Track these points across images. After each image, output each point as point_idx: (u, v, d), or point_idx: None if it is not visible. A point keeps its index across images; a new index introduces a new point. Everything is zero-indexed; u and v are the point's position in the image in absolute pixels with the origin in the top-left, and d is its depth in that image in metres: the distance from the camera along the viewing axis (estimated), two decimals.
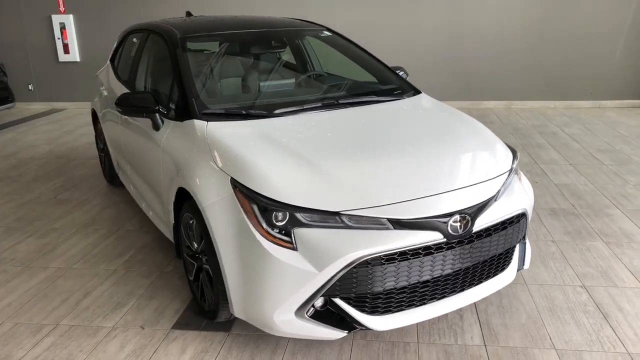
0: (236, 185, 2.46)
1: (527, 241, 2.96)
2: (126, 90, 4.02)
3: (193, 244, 2.87)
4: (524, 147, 6.14)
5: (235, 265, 2.44)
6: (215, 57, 3.77)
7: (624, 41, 8.05)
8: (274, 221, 2.34)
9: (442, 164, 2.69)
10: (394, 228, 2.34)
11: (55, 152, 6.51)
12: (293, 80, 3.81)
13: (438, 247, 2.40)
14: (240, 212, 2.40)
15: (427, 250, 2.38)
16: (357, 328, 2.42)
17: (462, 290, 2.61)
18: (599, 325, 2.78)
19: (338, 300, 2.38)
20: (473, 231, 2.47)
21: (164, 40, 3.62)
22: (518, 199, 2.73)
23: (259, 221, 2.35)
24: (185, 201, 2.88)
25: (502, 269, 2.78)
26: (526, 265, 2.92)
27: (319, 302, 2.39)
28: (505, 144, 3.09)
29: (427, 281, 2.46)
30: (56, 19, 8.92)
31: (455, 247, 2.44)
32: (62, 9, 8.90)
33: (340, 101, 3.27)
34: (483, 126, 3.21)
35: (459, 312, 2.90)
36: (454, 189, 2.51)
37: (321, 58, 4.26)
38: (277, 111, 3.06)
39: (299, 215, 2.33)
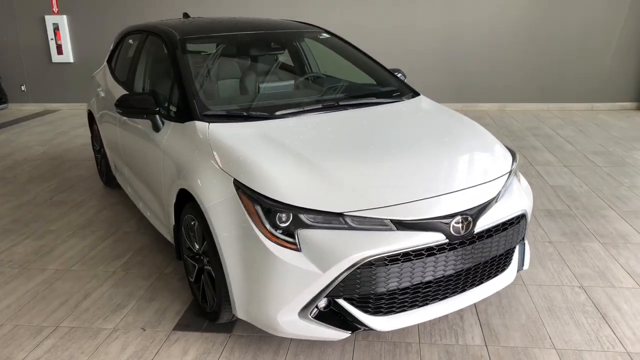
0: (239, 186, 2.46)
1: (526, 242, 2.99)
2: (124, 92, 4.02)
3: (194, 245, 2.87)
4: (519, 149, 6.18)
5: (239, 266, 2.44)
6: (215, 59, 3.77)
7: (616, 45, 8.14)
8: (278, 222, 2.35)
9: (443, 165, 2.71)
10: (397, 229, 2.35)
11: (50, 154, 6.47)
12: (293, 82, 3.82)
13: (440, 248, 2.42)
14: (244, 214, 2.40)
15: (430, 251, 2.39)
16: (360, 328, 2.43)
17: (464, 290, 2.63)
18: (598, 325, 2.81)
19: (341, 301, 2.39)
20: (474, 232, 2.49)
21: (163, 42, 3.62)
22: (518, 200, 2.76)
23: (262, 222, 2.36)
24: (186, 202, 2.88)
25: (502, 270, 2.81)
26: (526, 266, 2.94)
27: (322, 302, 2.39)
28: (505, 145, 3.12)
29: (430, 282, 2.47)
30: (49, 20, 8.87)
31: (457, 248, 2.46)
32: (55, 9, 8.85)
33: (340, 103, 3.28)
34: (483, 128, 3.24)
35: (459, 313, 2.92)
36: (455, 190, 2.53)
37: (320, 60, 4.28)
38: (278, 113, 3.06)
39: (302, 217, 2.34)
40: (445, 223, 2.40)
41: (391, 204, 2.38)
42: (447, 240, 2.41)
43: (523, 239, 2.90)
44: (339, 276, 2.28)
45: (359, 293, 2.36)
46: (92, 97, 4.96)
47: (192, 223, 2.80)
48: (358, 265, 2.27)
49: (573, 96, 8.40)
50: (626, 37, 8.08)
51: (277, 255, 2.30)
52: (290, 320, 2.39)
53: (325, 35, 4.11)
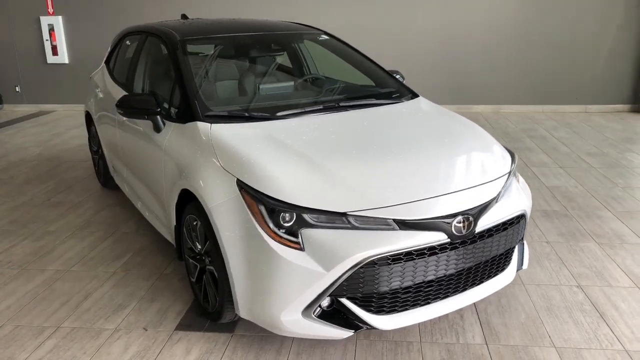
0: (242, 186, 2.47)
1: (525, 242, 3.02)
2: (123, 93, 4.02)
3: (196, 245, 2.88)
4: (515, 150, 6.22)
5: (242, 265, 2.46)
6: (216, 60, 3.78)
7: (609, 48, 8.22)
8: (281, 222, 2.36)
9: (444, 166, 2.74)
10: (400, 229, 2.37)
11: (46, 155, 6.45)
12: (294, 83, 3.84)
13: (442, 248, 2.44)
14: (247, 213, 2.42)
15: (432, 250, 2.42)
16: (362, 327, 2.45)
17: (464, 290, 2.66)
18: (596, 323, 2.84)
19: (344, 300, 2.41)
20: (475, 232, 2.52)
21: (163, 43, 3.63)
22: (517, 200, 2.79)
23: (266, 222, 2.37)
24: (187, 203, 2.89)
25: (502, 270, 2.84)
26: (525, 266, 2.98)
27: (325, 302, 2.41)
28: (503, 146, 3.15)
29: (432, 281, 2.50)
30: (45, 21, 8.84)
31: (458, 248, 2.49)
32: (51, 10, 8.83)
33: (341, 104, 3.30)
34: (482, 129, 3.27)
35: (460, 312, 2.95)
36: (456, 190, 2.55)
37: (320, 62, 4.30)
38: (279, 113, 3.08)
39: (306, 216, 2.36)
40: (447, 223, 2.43)
41: (394, 203, 2.41)
42: (448, 240, 2.43)
43: (522, 239, 2.93)
44: (342, 275, 2.30)
45: (362, 292, 2.38)
46: (90, 98, 4.95)
47: (195, 223, 2.81)
48: (361, 264, 2.29)
49: (567, 98, 8.48)
50: (619, 41, 8.16)
51: (281, 254, 2.31)
52: (293, 319, 2.41)
53: (325, 36, 4.13)
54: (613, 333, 2.76)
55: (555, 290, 3.18)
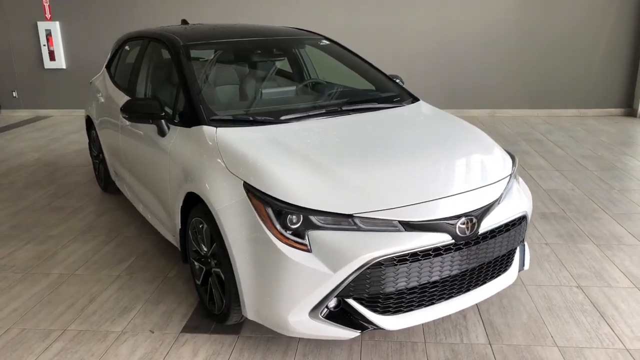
0: (249, 189, 2.51)
1: (525, 243, 3.07)
2: (125, 97, 4.04)
3: (202, 247, 2.91)
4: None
5: (249, 267, 2.49)
6: (220, 65, 3.82)
7: (602, 53, 8.32)
8: (289, 224, 2.39)
9: (448, 168, 2.79)
10: (405, 230, 2.41)
11: (44, 160, 6.45)
12: (296, 88, 3.88)
13: (447, 249, 2.48)
14: (255, 216, 2.45)
15: (437, 251, 2.46)
16: (369, 328, 2.48)
17: (468, 290, 2.70)
18: (597, 323, 2.89)
19: (351, 301, 2.44)
20: (479, 233, 2.56)
21: (166, 48, 3.67)
22: (519, 202, 2.84)
23: (273, 224, 2.41)
24: (193, 206, 2.92)
25: (505, 270, 2.88)
26: (526, 266, 3.02)
27: (332, 302, 2.45)
28: (504, 149, 3.20)
29: (436, 281, 2.54)
30: (42, 26, 8.85)
31: (462, 249, 2.53)
32: (48, 15, 8.84)
33: (343, 108, 3.34)
34: (483, 132, 3.33)
35: (462, 313, 2.99)
36: (460, 192, 2.60)
37: (321, 66, 4.35)
38: (283, 117, 3.12)
39: (313, 218, 2.39)
40: (451, 224, 2.47)
41: (399, 205, 2.45)
42: (453, 241, 2.47)
43: (523, 240, 2.98)
44: (349, 276, 2.34)
45: (368, 293, 2.41)
46: (91, 102, 4.97)
47: (200, 226, 2.84)
48: (368, 265, 2.33)
49: (561, 102, 8.57)
50: (613, 45, 8.27)
51: (288, 256, 2.35)
52: (300, 320, 2.44)
53: (325, 42, 4.18)
54: (614, 332, 2.81)
55: (555, 290, 3.23)
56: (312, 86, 4.11)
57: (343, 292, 2.39)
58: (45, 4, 8.79)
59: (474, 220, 2.53)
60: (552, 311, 3.01)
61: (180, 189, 3.00)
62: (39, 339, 2.83)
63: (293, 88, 3.86)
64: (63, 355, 2.69)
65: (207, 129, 2.96)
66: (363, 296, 2.43)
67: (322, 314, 2.44)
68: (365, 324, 2.47)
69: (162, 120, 3.25)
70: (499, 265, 2.82)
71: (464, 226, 2.50)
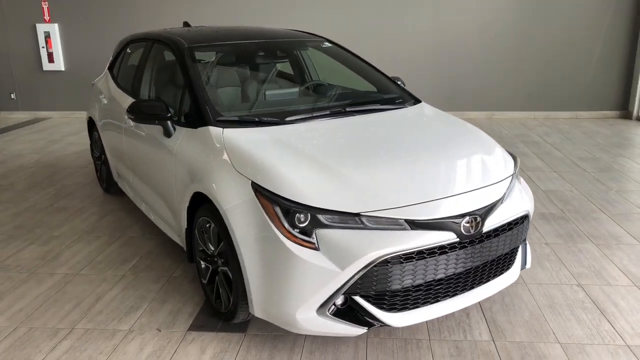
0: (257, 188, 2.54)
1: (527, 242, 3.12)
2: (129, 99, 4.07)
3: (209, 247, 2.94)
4: None
5: (258, 266, 2.52)
6: (224, 67, 3.86)
7: (599, 55, 8.41)
8: (297, 223, 2.43)
9: (452, 168, 2.83)
10: (411, 228, 2.45)
11: (44, 162, 6.47)
12: (300, 89, 3.92)
13: (452, 247, 2.53)
14: (263, 215, 2.49)
15: (442, 249, 2.50)
16: (375, 324, 2.52)
17: (472, 288, 2.74)
18: (598, 320, 2.94)
19: (358, 298, 2.48)
20: (483, 231, 2.61)
21: (171, 50, 3.70)
22: (520, 201, 2.89)
23: (281, 223, 2.44)
24: (199, 206, 2.95)
25: (507, 269, 2.93)
26: (528, 265, 3.07)
27: (339, 300, 2.48)
28: (505, 150, 3.25)
29: (441, 279, 2.58)
30: (41, 28, 8.86)
31: (467, 247, 2.57)
32: (47, 17, 8.86)
33: (347, 109, 3.39)
34: (484, 133, 3.38)
35: (466, 310, 3.03)
36: (464, 191, 2.64)
37: (324, 68, 4.39)
38: (288, 118, 3.16)
39: (320, 217, 2.43)
40: (456, 223, 2.51)
41: (405, 204, 2.49)
42: (457, 239, 2.52)
43: (525, 239, 3.02)
44: (356, 274, 2.38)
45: (375, 290, 2.45)
46: (94, 104, 4.99)
47: (207, 225, 2.87)
48: (375, 263, 2.37)
49: (558, 105, 8.65)
50: (609, 48, 8.36)
51: (297, 254, 2.38)
52: (308, 317, 2.47)
53: (327, 44, 4.23)
54: (614, 329, 2.86)
55: (556, 289, 3.28)
56: (316, 88, 4.15)
57: (350, 290, 2.43)
58: (44, 6, 8.81)
59: (478, 219, 2.57)
60: (554, 309, 3.06)
61: (187, 189, 3.03)
62: (47, 338, 2.86)
63: (297, 90, 3.90)
64: (72, 353, 2.72)
65: (214, 130, 3.00)
66: (370, 293, 2.47)
67: (330, 311, 2.48)
68: (372, 321, 2.51)
69: (168, 121, 3.28)
70: (502, 263, 2.87)
71: (468, 225, 2.54)
